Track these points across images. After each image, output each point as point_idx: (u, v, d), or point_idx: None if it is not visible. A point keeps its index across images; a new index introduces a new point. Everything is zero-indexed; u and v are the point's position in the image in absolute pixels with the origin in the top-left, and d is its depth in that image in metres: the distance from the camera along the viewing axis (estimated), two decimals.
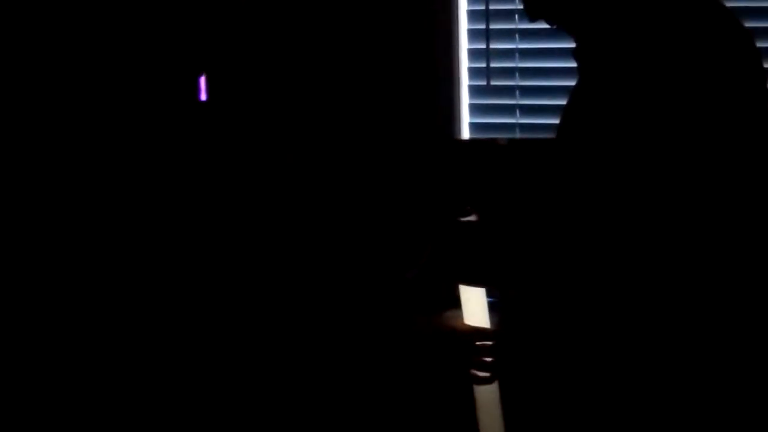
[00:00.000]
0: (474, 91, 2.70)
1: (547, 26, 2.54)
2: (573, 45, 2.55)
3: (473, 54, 2.68)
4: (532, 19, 1.56)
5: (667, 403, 1.39)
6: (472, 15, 2.67)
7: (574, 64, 2.57)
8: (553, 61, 2.62)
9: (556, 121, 2.63)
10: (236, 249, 2.70)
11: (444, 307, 2.18)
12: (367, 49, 2.68)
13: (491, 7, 2.63)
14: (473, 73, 2.69)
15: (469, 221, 1.91)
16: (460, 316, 1.96)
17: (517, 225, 1.63)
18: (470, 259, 1.90)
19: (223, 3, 2.67)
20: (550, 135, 2.63)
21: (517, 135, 2.66)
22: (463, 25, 2.67)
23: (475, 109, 2.70)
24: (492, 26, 2.64)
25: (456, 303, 2.26)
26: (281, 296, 2.70)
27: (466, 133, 2.70)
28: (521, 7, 2.57)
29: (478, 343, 1.89)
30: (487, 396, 1.97)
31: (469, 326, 1.94)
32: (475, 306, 1.96)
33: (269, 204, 2.70)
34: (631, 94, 1.37)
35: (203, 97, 2.67)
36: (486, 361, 1.88)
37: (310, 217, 2.71)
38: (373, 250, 2.69)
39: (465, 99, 2.70)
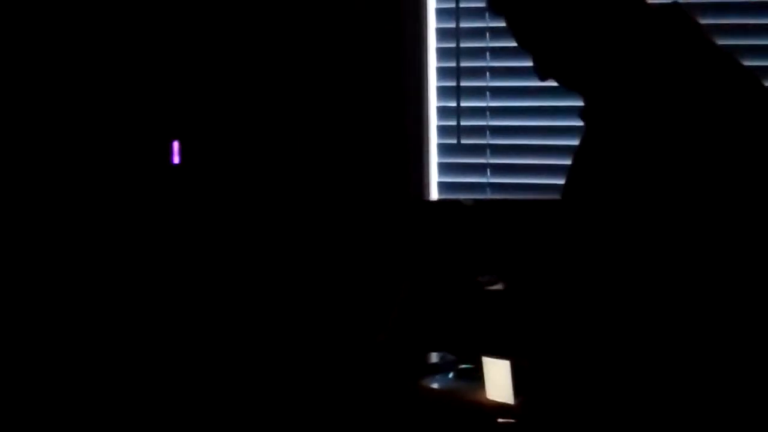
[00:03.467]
0: (443, 149, 2.64)
1: (517, 84, 2.57)
2: (545, 103, 2.58)
3: (443, 112, 2.64)
4: (542, 79, 1.53)
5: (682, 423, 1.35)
6: (442, 72, 2.62)
7: (545, 123, 2.58)
8: (524, 119, 2.57)
9: (527, 180, 2.65)
10: (204, 316, 2.69)
11: (415, 372, 2.11)
12: (336, 106, 2.64)
13: (462, 64, 2.58)
14: (443, 131, 2.64)
15: (496, 290, 1.84)
16: (483, 390, 1.87)
17: (542, 293, 1.56)
18: (496, 329, 1.82)
19: (194, 71, 2.67)
20: (522, 195, 2.64)
21: (488, 195, 2.60)
22: (433, 82, 2.62)
23: (444, 168, 2.65)
24: (462, 83, 2.59)
25: (426, 369, 2.19)
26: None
27: (434, 193, 2.64)
28: (492, 64, 2.59)
29: (500, 420, 1.79)
30: None
31: (492, 401, 1.84)
32: (499, 380, 1.86)
33: (242, 266, 2.69)
34: (647, 158, 1.34)
35: (176, 160, 2.68)
36: None
37: (277, 282, 2.68)
38: (344, 314, 2.64)
39: (434, 158, 2.64)
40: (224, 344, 2.69)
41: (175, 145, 2.69)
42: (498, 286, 1.88)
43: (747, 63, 1.42)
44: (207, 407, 2.67)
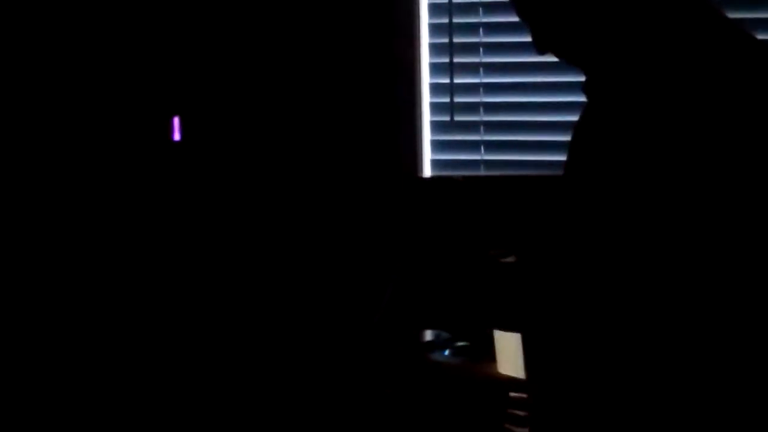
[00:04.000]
0: (436, 126, 2.62)
1: (511, 60, 2.55)
2: (539, 79, 2.56)
3: (436, 88, 2.61)
4: (540, 53, 1.50)
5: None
6: (435, 48, 2.60)
7: (539, 99, 2.56)
8: (519, 95, 2.55)
9: (521, 157, 2.64)
10: (203, 293, 2.68)
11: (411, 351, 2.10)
12: (329, 82, 2.62)
13: (455, 40, 2.56)
14: (436, 108, 2.62)
15: (509, 262, 1.82)
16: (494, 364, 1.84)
17: (552, 266, 1.54)
18: (509, 302, 1.79)
19: (195, 46, 2.65)
20: (516, 171, 2.62)
21: (482, 172, 2.59)
22: (425, 58, 2.60)
23: (437, 145, 2.63)
24: (456, 60, 2.57)
25: (422, 347, 2.18)
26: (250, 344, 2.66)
27: (428, 171, 2.62)
28: (485, 39, 2.57)
29: (512, 394, 1.77)
30: None
31: (503, 375, 1.82)
32: (510, 353, 1.84)
33: (238, 243, 2.68)
34: (654, 133, 1.31)
35: (176, 136, 2.67)
36: (520, 415, 1.76)
37: (272, 261, 2.67)
38: (338, 291, 2.63)
39: (427, 135, 2.62)
40: (219, 318, 2.68)
41: (176, 121, 2.67)
42: (510, 259, 1.86)
43: (761, 36, 1.39)
44: (193, 369, 2.66)
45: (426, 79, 2.61)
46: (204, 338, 2.68)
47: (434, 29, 2.59)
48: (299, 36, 2.62)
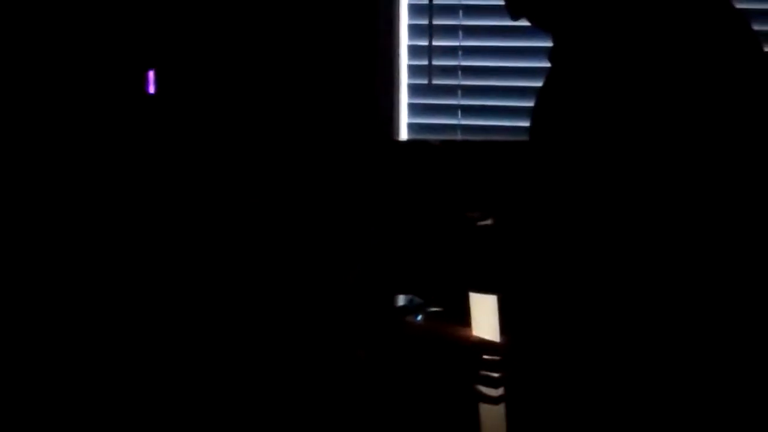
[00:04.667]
0: (414, 90, 2.59)
1: (491, 23, 2.52)
2: (519, 44, 2.54)
3: (414, 51, 2.58)
4: (514, 18, 1.50)
5: (671, 408, 1.33)
6: (414, 9, 2.56)
7: (519, 64, 2.53)
8: (497, 60, 2.52)
9: (499, 122, 2.62)
10: (178, 247, 2.66)
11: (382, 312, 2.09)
12: (305, 42, 2.58)
13: (435, 1, 2.53)
14: (413, 71, 2.58)
15: (486, 225, 1.80)
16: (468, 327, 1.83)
17: (526, 228, 1.53)
18: (484, 264, 1.78)
19: None
20: (493, 136, 2.60)
21: (459, 136, 2.56)
22: (404, 20, 2.56)
23: (414, 109, 2.60)
24: (435, 22, 2.53)
25: (393, 310, 2.17)
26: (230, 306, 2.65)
27: (404, 134, 2.60)
28: (465, 1, 2.53)
29: (486, 357, 1.76)
30: (494, 415, 1.83)
31: (477, 338, 1.80)
32: (485, 316, 1.83)
33: (208, 202, 2.66)
34: (617, 99, 1.32)
35: (151, 90, 2.62)
36: (494, 377, 1.75)
37: (245, 219, 2.65)
38: (311, 255, 2.62)
39: (404, 98, 2.59)
40: (200, 276, 2.67)
41: (151, 74, 2.64)
42: (487, 222, 1.85)
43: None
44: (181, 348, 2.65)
45: (405, 41, 2.57)
46: (187, 297, 2.66)
47: None
48: None
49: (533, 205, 1.48)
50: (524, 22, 1.52)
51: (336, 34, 2.56)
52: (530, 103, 2.46)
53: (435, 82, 2.57)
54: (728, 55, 1.31)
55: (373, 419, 2.13)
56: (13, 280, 2.72)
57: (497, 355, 1.75)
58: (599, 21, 1.39)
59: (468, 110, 2.56)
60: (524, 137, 2.47)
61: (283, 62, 2.61)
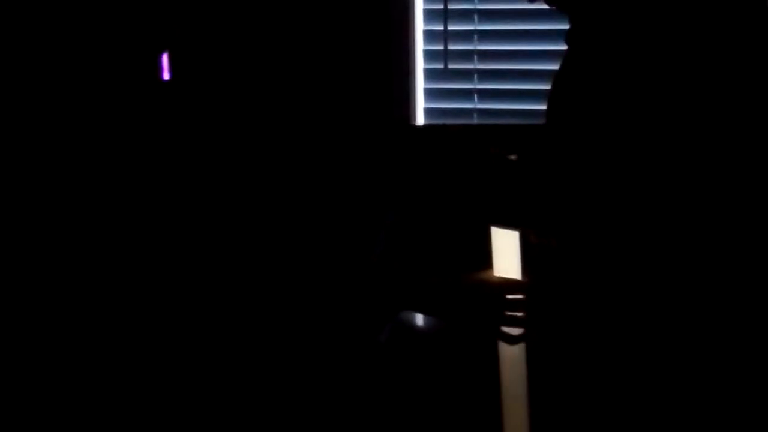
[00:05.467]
0: (430, 74, 2.59)
1: (506, 7, 2.52)
2: (534, 27, 2.53)
3: (429, 35, 2.58)
4: (530, 0, 1.50)
5: (670, 402, 1.35)
6: None
7: (535, 47, 2.53)
8: (513, 43, 2.52)
9: (515, 106, 2.62)
10: (192, 235, 2.67)
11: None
12: (320, 28, 2.59)
13: None
14: (429, 55, 2.58)
15: (511, 159, 1.78)
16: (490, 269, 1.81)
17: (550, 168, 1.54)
18: (509, 196, 1.74)
19: None
20: (510, 120, 2.60)
21: (475, 121, 2.56)
22: (419, 4, 2.56)
23: (430, 93, 2.60)
24: (450, 6, 2.53)
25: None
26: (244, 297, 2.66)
27: (420, 119, 2.60)
28: None
29: (509, 296, 1.74)
30: (514, 355, 1.81)
31: (499, 278, 1.78)
32: (507, 252, 1.81)
33: (225, 189, 2.67)
34: (634, 81, 1.32)
35: (166, 76, 2.63)
36: (517, 316, 1.73)
37: (263, 207, 2.67)
38: (330, 239, 2.63)
39: (420, 83, 2.59)
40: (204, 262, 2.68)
41: (165, 58, 2.64)
42: (512, 157, 1.82)
43: None
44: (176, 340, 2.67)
45: (420, 25, 2.57)
46: (186, 285, 2.67)
47: None
48: None
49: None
50: (540, 5, 1.51)
51: (351, 20, 2.57)
52: (547, 87, 2.47)
53: (451, 66, 2.57)
54: (752, 35, 1.31)
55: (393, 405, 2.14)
56: (17, 267, 2.74)
57: (520, 294, 1.72)
58: (616, 2, 1.39)
59: (484, 94, 2.56)
60: (541, 121, 2.48)
61: (300, 48, 2.61)
